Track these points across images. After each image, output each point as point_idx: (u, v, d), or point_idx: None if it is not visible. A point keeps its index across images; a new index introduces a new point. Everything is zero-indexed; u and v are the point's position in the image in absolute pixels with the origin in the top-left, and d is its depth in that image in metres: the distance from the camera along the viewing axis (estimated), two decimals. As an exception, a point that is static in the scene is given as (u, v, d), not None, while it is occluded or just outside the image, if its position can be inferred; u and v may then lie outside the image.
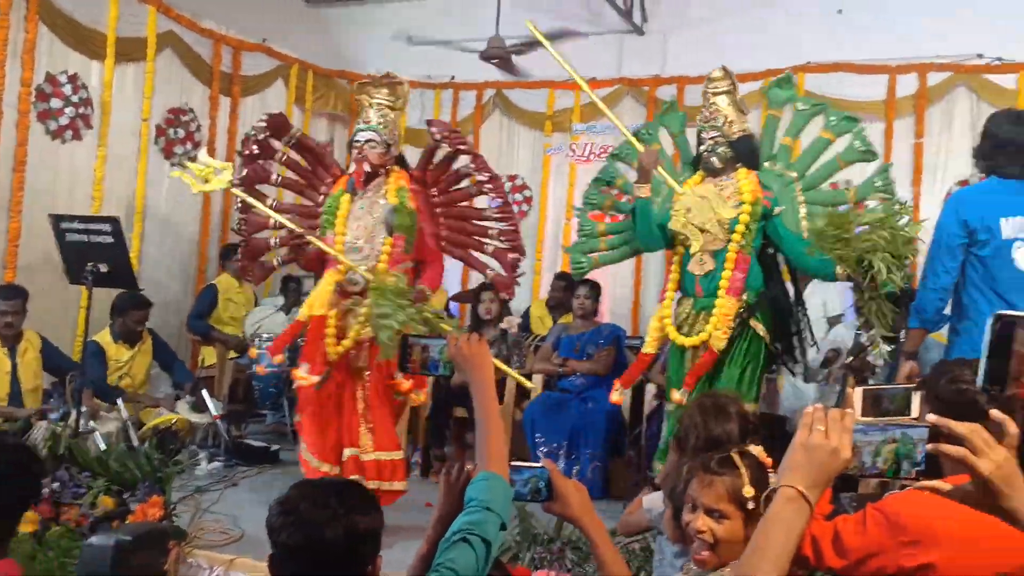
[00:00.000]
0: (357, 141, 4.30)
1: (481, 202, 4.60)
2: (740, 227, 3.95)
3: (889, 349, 3.73)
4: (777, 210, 4.00)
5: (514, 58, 7.11)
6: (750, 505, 1.76)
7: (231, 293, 6.83)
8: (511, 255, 4.46)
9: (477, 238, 4.52)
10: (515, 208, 8.06)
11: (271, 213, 4.41)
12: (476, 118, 8.40)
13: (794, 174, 4.14)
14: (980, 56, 6.72)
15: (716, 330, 3.91)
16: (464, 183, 4.46)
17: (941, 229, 3.63)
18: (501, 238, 4.44)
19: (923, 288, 3.65)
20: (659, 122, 4.75)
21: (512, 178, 8.21)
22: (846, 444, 1.30)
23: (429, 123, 4.48)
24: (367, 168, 4.25)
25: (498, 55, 7.04)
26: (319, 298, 4.29)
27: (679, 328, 4.10)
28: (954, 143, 6.82)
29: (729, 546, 1.76)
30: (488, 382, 1.86)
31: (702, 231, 4.02)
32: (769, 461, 1.88)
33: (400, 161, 4.45)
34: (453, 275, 7.64)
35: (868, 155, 4.09)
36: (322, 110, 8.50)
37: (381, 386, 4.24)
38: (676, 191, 4.12)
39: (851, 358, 4.28)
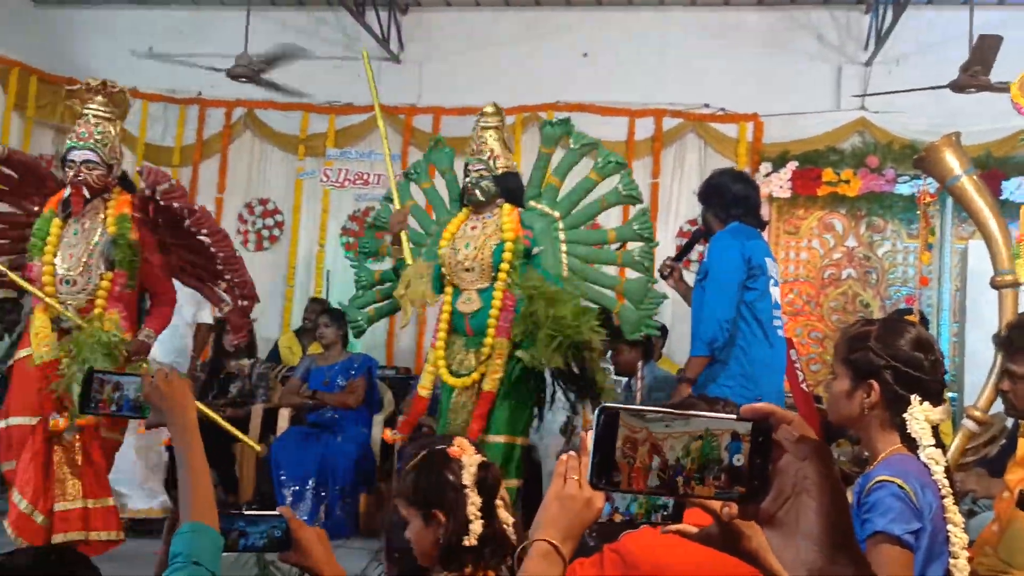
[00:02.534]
0: (72, 161, 3.80)
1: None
2: (504, 265, 3.89)
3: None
4: (536, 250, 3.98)
5: (263, 76, 6.83)
6: None
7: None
8: (242, 302, 4.14)
9: (212, 272, 4.17)
10: (266, 232, 7.80)
11: None
12: (225, 137, 8.00)
13: (557, 213, 4.17)
14: (707, 106, 7.34)
15: (490, 372, 3.84)
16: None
17: (726, 263, 3.85)
18: (234, 288, 4.10)
19: (711, 319, 3.82)
20: (428, 159, 4.64)
21: (264, 201, 7.89)
22: (599, 495, 1.30)
23: (140, 172, 4.03)
24: (87, 194, 3.80)
25: (246, 73, 6.74)
26: (42, 341, 3.79)
27: (449, 367, 3.98)
28: (685, 184, 7.37)
29: None
30: (190, 424, 1.69)
31: (467, 270, 3.97)
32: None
33: (124, 181, 4.02)
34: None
35: (632, 199, 4.21)
36: (47, 120, 7.73)
37: (90, 428, 3.79)
38: (408, 261, 4.09)
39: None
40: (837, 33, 7.35)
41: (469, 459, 1.93)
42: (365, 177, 6.94)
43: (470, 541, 1.86)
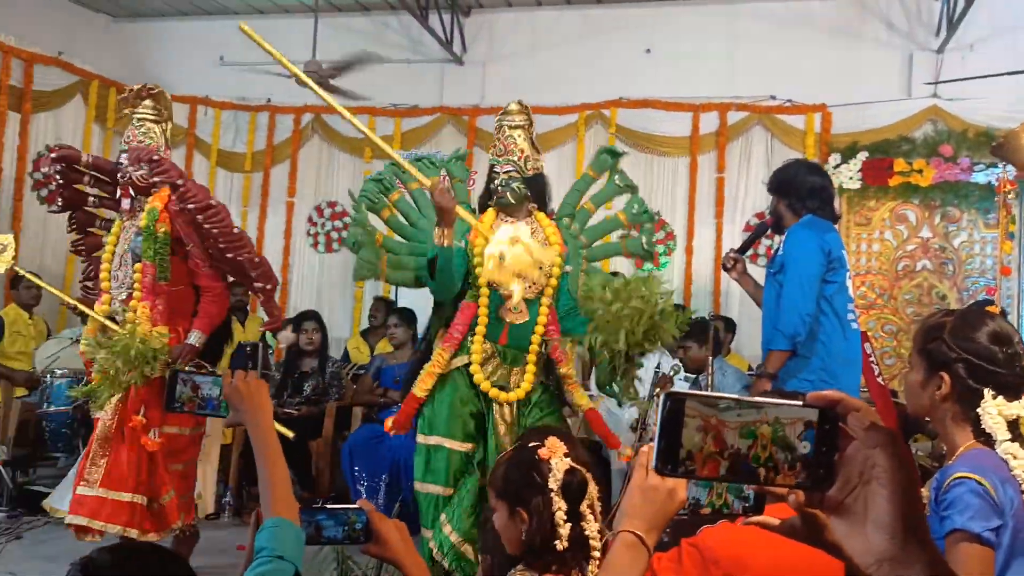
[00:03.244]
0: (120, 163, 3.93)
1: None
2: (557, 271, 3.66)
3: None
4: (568, 268, 3.75)
5: (332, 83, 6.96)
6: None
7: (19, 325, 6.26)
8: (258, 284, 4.02)
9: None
10: (335, 235, 7.95)
11: (50, 288, 4.16)
12: (294, 142, 8.18)
13: (584, 239, 3.96)
14: (773, 98, 7.24)
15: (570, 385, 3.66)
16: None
17: (806, 256, 3.81)
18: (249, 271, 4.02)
19: (792, 313, 3.78)
20: (447, 167, 4.13)
21: (332, 204, 8.05)
22: (682, 485, 1.30)
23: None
24: (132, 192, 3.89)
25: (315, 79, 6.88)
26: (86, 337, 3.93)
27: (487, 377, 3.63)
28: (751, 178, 7.29)
29: None
30: (267, 423, 1.75)
31: (521, 277, 3.52)
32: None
33: None
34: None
35: (648, 254, 4.04)
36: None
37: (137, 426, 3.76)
38: (481, 233, 3.48)
39: (657, 389, 4.41)
40: (907, 19, 7.17)
41: (558, 462, 1.91)
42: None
43: (561, 545, 1.86)
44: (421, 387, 3.59)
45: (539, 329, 3.61)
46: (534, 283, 3.62)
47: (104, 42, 8.39)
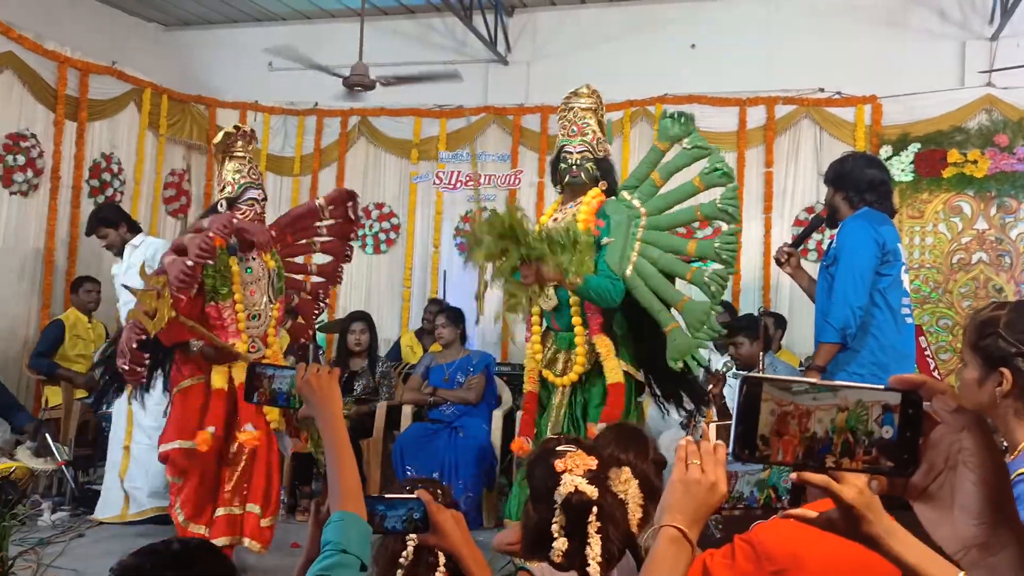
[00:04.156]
0: (252, 199, 4.12)
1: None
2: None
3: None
4: (605, 240, 3.59)
5: (379, 85, 7.04)
6: None
7: (79, 329, 6.42)
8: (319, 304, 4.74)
9: (294, 276, 4.63)
10: (383, 236, 8.03)
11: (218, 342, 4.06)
12: (341, 145, 8.27)
13: (644, 209, 3.72)
14: (821, 90, 7.14)
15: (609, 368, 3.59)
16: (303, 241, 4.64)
17: (860, 248, 3.76)
18: (316, 289, 4.69)
19: (843, 305, 3.73)
20: None
21: (379, 206, 8.12)
22: (722, 478, 1.30)
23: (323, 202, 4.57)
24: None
25: (362, 82, 6.96)
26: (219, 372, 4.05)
27: (548, 365, 3.75)
28: (800, 171, 7.20)
29: None
30: (336, 417, 1.77)
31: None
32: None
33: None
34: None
35: (728, 216, 3.63)
36: (178, 137, 8.16)
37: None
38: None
39: (710, 386, 4.38)
40: (960, 7, 7.02)
41: (567, 478, 1.85)
42: (477, 178, 7.07)
43: (556, 557, 1.82)
44: (528, 383, 3.79)
45: (573, 310, 3.64)
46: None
47: (156, 50, 8.57)
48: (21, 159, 6.76)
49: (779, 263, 4.17)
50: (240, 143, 4.16)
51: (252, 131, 4.28)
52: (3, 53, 6.55)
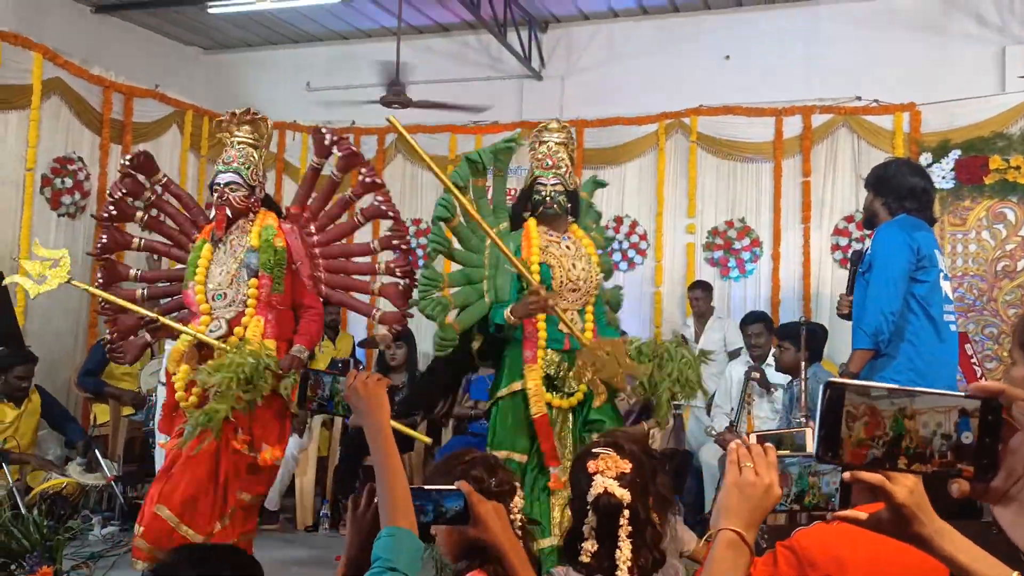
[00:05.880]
0: (217, 184, 3.93)
1: (362, 235, 4.44)
2: (596, 281, 3.91)
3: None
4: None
5: (415, 102, 7.13)
6: None
7: (125, 347, 6.55)
8: (401, 281, 4.26)
9: (359, 277, 4.34)
10: (420, 252, 8.09)
11: (119, 301, 4.07)
12: (379, 163, 8.36)
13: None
14: (859, 99, 7.09)
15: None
16: (344, 217, 4.39)
17: (893, 254, 3.74)
18: (391, 265, 4.29)
19: (875, 311, 3.72)
20: (495, 149, 4.23)
21: (416, 222, 8.19)
22: (776, 479, 1.30)
23: (319, 130, 4.33)
24: (228, 213, 3.92)
25: (398, 100, 7.06)
26: (172, 357, 3.96)
27: (554, 385, 3.77)
28: (838, 180, 7.14)
29: None
30: (384, 427, 1.72)
31: (574, 290, 3.85)
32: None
33: (268, 203, 4.16)
34: (360, 320, 7.55)
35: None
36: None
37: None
38: (529, 280, 3.69)
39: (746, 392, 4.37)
40: (998, 12, 6.94)
41: (600, 479, 1.88)
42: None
43: (584, 557, 1.84)
44: (536, 408, 3.72)
45: (588, 336, 3.79)
46: (582, 295, 3.87)
47: (196, 73, 8.76)
48: (69, 182, 6.93)
49: (845, 316, 4.06)
50: (232, 127, 4.04)
51: (247, 110, 4.08)
52: (51, 79, 6.73)
